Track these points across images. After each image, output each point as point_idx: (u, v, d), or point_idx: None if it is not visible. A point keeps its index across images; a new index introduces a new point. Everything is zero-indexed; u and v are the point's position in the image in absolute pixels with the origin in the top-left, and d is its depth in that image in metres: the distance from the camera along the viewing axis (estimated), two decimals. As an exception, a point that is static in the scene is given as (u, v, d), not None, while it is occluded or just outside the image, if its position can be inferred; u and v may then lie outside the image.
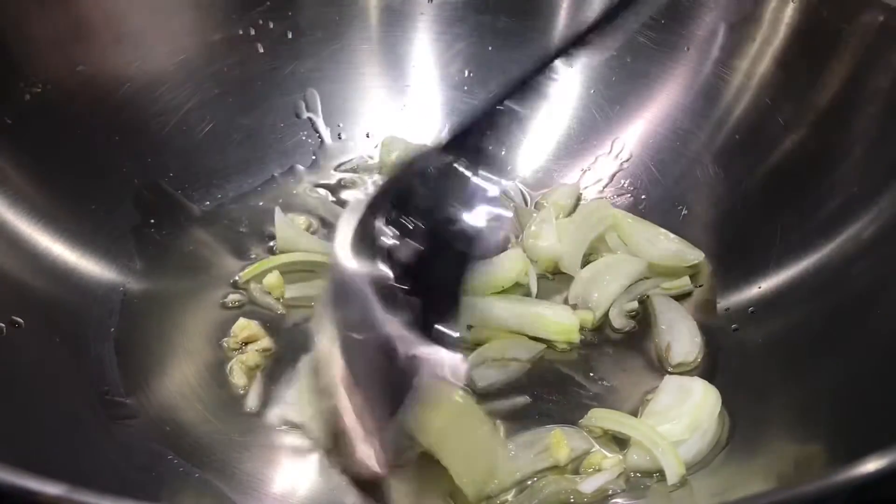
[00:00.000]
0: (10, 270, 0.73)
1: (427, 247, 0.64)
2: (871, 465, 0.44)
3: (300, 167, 0.98)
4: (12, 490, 0.42)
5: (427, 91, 1.04)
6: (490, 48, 1.04)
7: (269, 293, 0.81)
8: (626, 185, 0.96)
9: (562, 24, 1.02)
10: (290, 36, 1.00)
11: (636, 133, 0.96)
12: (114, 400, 0.69)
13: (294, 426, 0.68)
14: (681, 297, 0.84)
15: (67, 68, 0.84)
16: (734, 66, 0.90)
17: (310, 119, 1.00)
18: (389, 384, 0.58)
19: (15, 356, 0.67)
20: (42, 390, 0.66)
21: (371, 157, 1.00)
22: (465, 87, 1.04)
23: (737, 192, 0.87)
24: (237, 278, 0.83)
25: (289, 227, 0.87)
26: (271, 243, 0.87)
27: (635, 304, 0.82)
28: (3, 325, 0.67)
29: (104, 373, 0.71)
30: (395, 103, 1.03)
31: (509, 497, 0.64)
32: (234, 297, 0.81)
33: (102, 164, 0.85)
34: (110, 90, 0.87)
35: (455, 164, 0.68)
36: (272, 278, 0.81)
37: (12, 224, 0.75)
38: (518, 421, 0.71)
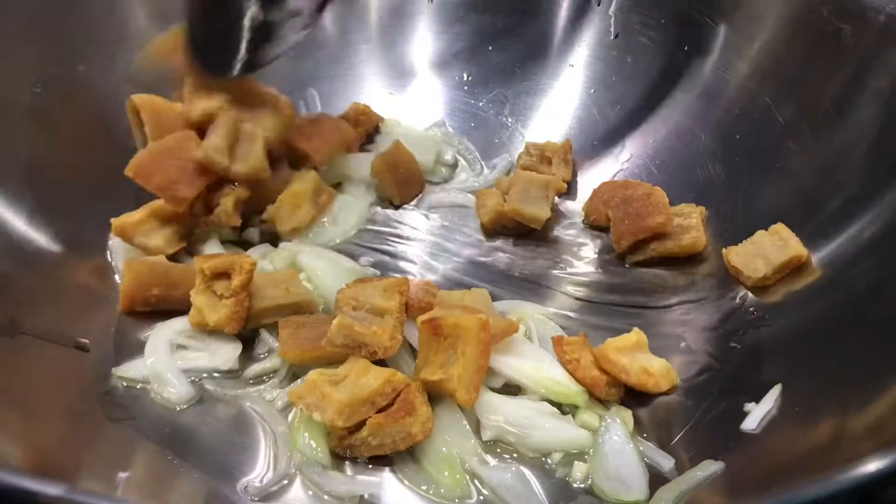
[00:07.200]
0: (10, 270, 0.73)
1: None
2: (872, 466, 0.44)
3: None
4: (12, 490, 0.42)
5: (427, 91, 1.05)
6: (490, 48, 1.04)
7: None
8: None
9: (562, 23, 1.02)
10: (289, 36, 1.00)
11: (636, 133, 0.96)
12: (114, 400, 0.69)
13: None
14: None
15: (67, 68, 0.84)
16: (734, 66, 0.91)
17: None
18: None
19: (15, 356, 0.67)
20: (42, 390, 0.66)
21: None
22: (465, 87, 1.04)
23: (737, 193, 0.87)
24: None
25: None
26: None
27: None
28: (3, 324, 0.68)
29: (104, 373, 0.71)
30: (394, 103, 1.04)
31: None
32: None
33: (102, 164, 0.84)
34: (110, 90, 0.87)
35: None
36: None
37: (12, 224, 0.76)
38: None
